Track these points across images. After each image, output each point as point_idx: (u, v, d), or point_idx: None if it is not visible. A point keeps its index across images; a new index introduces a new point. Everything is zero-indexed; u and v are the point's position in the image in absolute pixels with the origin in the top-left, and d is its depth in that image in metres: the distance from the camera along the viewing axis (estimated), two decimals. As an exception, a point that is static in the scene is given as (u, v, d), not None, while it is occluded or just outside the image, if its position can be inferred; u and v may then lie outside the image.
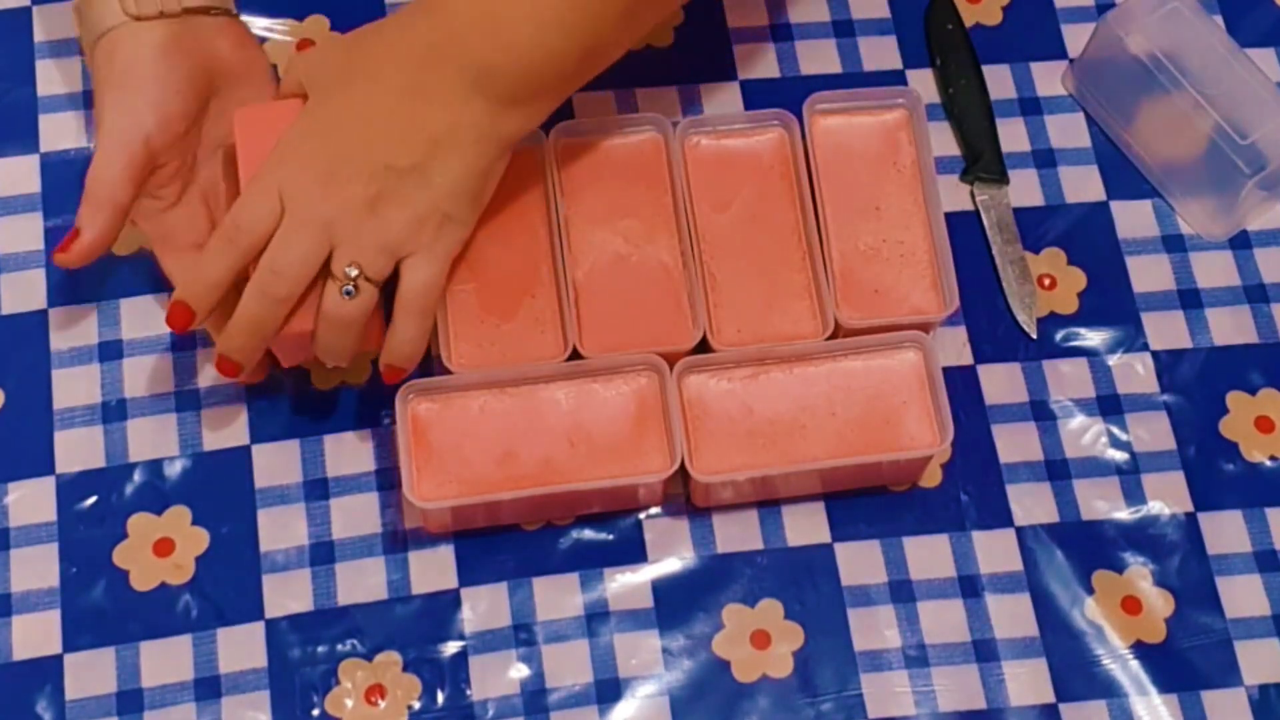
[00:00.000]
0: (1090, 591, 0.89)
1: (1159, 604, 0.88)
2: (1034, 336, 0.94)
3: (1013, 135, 0.98)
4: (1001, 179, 0.97)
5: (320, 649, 0.86)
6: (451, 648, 0.86)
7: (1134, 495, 0.91)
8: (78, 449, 0.89)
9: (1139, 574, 0.89)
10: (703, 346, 0.89)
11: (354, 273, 0.81)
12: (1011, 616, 0.88)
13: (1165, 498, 0.91)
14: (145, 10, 0.85)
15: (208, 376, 0.91)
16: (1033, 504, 0.90)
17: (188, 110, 0.87)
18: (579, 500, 0.87)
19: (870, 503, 0.90)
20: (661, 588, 0.88)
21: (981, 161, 0.97)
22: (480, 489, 0.86)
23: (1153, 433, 0.92)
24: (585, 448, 0.87)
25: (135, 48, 0.85)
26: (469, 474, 0.86)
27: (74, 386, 0.90)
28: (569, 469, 0.86)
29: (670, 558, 0.88)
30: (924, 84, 1.00)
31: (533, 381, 0.88)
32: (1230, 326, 0.95)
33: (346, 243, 0.81)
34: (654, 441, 0.87)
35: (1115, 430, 0.92)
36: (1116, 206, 0.98)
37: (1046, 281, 0.95)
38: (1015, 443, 0.91)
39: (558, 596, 0.87)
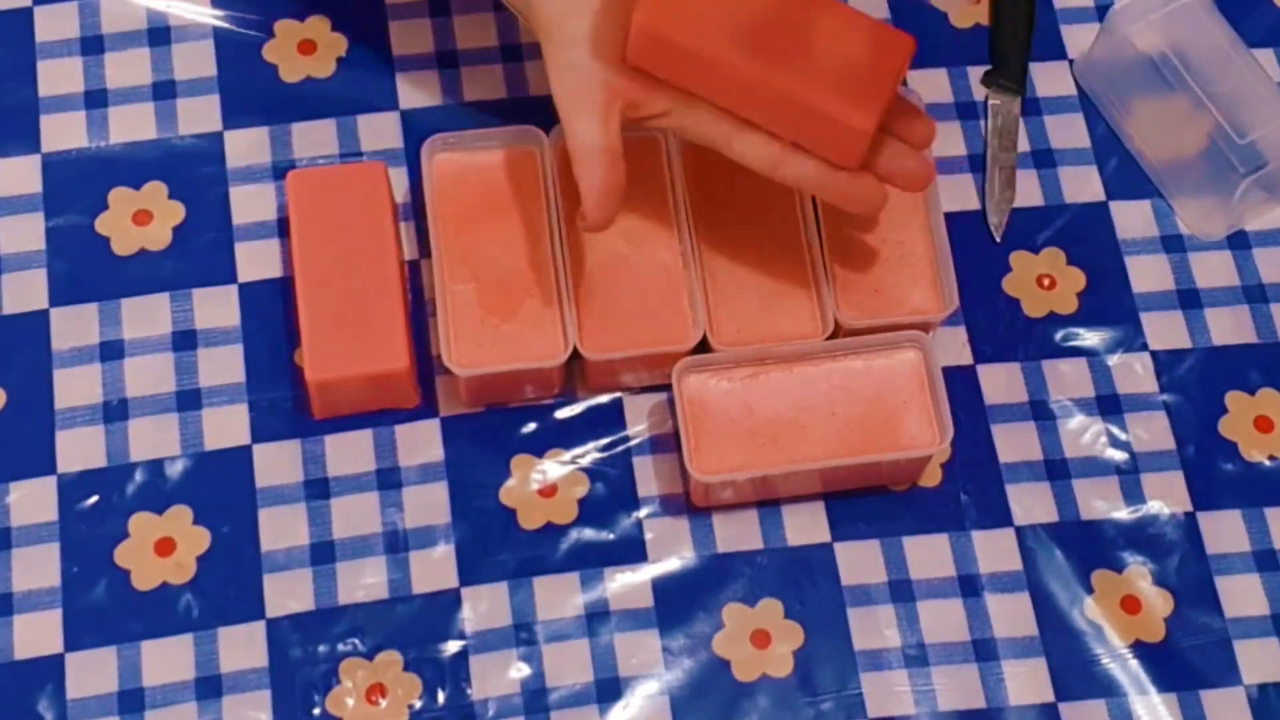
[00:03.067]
0: (1090, 591, 0.89)
1: (1158, 603, 0.89)
2: (998, 240, 0.95)
3: (1012, 135, 0.99)
4: (1018, 90, 0.98)
5: (321, 648, 0.86)
6: (452, 647, 0.86)
7: (1133, 495, 0.91)
8: (79, 449, 0.89)
9: (1138, 573, 0.89)
10: (703, 346, 0.89)
11: None
12: (1011, 616, 0.88)
13: (1165, 497, 0.91)
14: None
15: (208, 376, 0.91)
16: (1032, 504, 0.90)
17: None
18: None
19: (870, 503, 0.90)
20: (661, 587, 0.88)
21: (1005, 68, 0.99)
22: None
23: (1152, 432, 0.92)
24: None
25: None
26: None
27: (75, 386, 0.90)
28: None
29: (670, 557, 0.88)
30: (924, 84, 1.00)
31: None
32: (1230, 326, 0.95)
33: None
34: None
35: (1115, 430, 0.92)
36: (1116, 206, 0.98)
37: (1046, 281, 0.95)
38: (1015, 443, 0.92)
39: (558, 596, 0.87)
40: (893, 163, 0.84)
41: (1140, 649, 0.88)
